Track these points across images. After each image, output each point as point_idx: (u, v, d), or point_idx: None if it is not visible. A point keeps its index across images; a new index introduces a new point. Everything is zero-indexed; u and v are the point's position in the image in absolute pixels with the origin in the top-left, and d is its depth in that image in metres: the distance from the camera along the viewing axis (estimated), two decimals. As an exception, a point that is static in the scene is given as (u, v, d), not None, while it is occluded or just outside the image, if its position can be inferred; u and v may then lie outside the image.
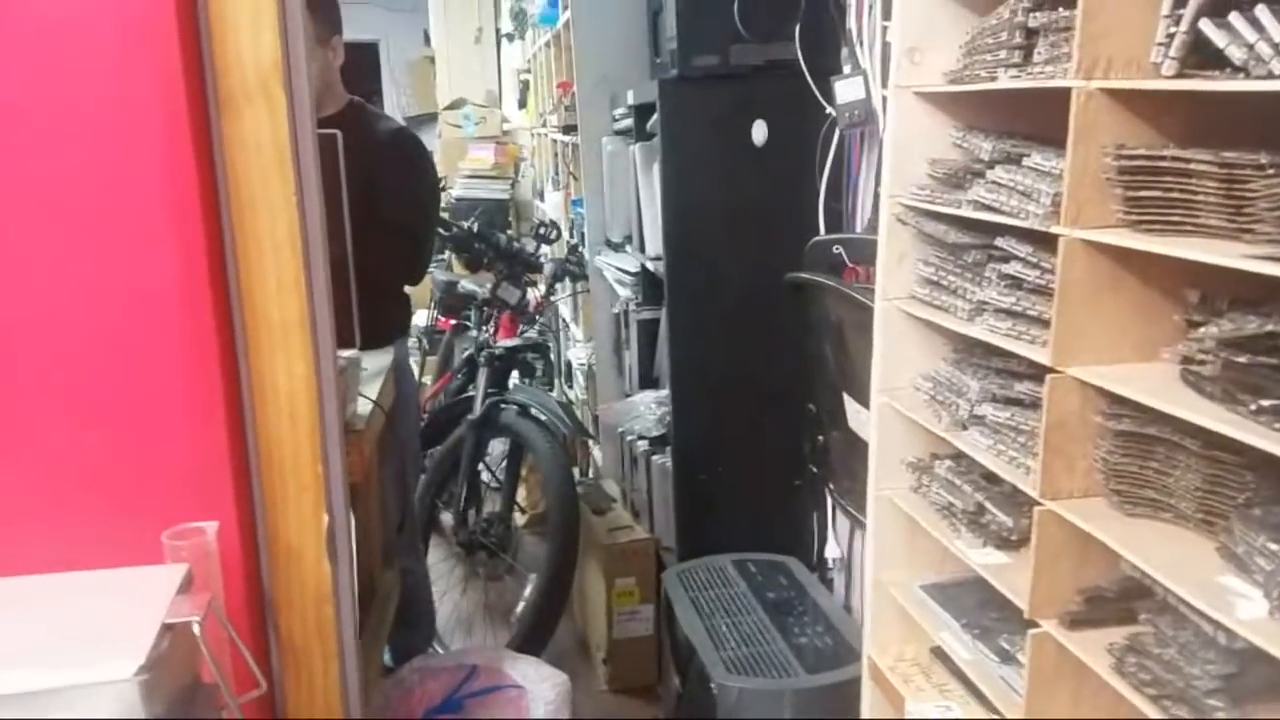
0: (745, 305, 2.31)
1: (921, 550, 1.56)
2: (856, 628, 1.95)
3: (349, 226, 1.63)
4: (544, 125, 4.39)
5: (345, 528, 1.36)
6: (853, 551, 2.21)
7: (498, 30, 6.22)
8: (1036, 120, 1.28)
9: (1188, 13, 0.99)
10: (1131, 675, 1.03)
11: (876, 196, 2.02)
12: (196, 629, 1.01)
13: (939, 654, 1.53)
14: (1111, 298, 1.11)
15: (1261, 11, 0.91)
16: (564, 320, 4.15)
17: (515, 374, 3.24)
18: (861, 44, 2.00)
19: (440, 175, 3.18)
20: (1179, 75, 1.01)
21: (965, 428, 1.35)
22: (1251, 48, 0.91)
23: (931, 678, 1.53)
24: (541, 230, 3.49)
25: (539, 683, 2.08)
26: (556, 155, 4.19)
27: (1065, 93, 1.09)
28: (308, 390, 1.24)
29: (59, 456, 1.16)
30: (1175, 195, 1.01)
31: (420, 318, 4.30)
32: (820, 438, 2.16)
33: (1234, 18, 0.93)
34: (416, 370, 3.70)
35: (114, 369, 1.16)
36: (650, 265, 2.63)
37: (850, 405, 1.96)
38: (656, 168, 2.40)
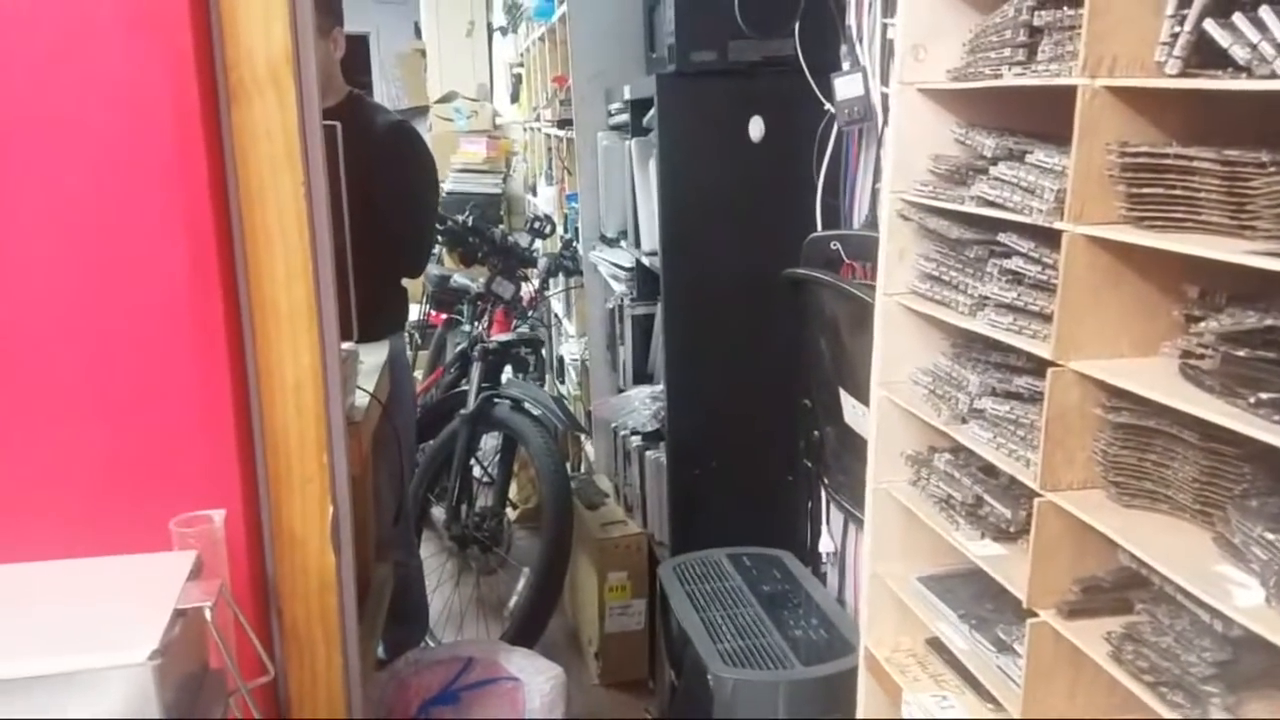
0: (741, 301, 2.32)
1: (918, 542, 1.58)
2: (850, 621, 1.97)
3: (348, 219, 1.64)
4: (537, 119, 4.39)
5: (348, 518, 1.37)
6: (846, 546, 2.22)
7: (489, 23, 6.22)
8: (1036, 117, 1.30)
9: (1192, 13, 1.01)
10: (1129, 663, 1.05)
11: (874, 193, 2.04)
12: (208, 614, 1.02)
13: (935, 645, 1.55)
14: (1113, 293, 1.12)
15: (1265, 12, 0.92)
16: (557, 315, 4.16)
17: (508, 369, 3.25)
18: (861, 41, 2.02)
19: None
20: (1183, 74, 1.03)
21: (965, 421, 1.37)
22: (1254, 48, 0.93)
23: (928, 668, 1.55)
24: (536, 225, 3.49)
25: (535, 675, 2.09)
26: (550, 150, 4.19)
27: (1069, 90, 1.11)
28: (314, 380, 1.25)
29: (69, 444, 1.17)
30: (1178, 192, 1.03)
31: (413, 312, 4.29)
32: (815, 433, 2.18)
33: (1237, 18, 0.95)
34: (410, 364, 3.70)
35: (123, 358, 1.16)
36: (645, 260, 2.64)
37: (846, 400, 1.98)
38: (652, 163, 2.41)
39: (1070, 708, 1.20)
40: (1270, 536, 0.93)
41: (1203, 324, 1.02)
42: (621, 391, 2.96)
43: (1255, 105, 1.01)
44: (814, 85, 2.13)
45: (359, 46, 7.20)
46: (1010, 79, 1.27)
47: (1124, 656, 1.06)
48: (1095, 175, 1.10)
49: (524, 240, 3.48)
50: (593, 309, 3.28)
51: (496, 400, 2.98)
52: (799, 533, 2.34)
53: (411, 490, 2.87)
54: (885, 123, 1.81)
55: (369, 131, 2.29)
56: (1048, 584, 1.17)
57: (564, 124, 3.51)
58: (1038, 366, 1.20)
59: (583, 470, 3.56)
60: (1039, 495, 1.17)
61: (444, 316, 4.26)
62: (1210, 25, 0.99)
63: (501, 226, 4.78)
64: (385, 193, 2.18)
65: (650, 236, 2.56)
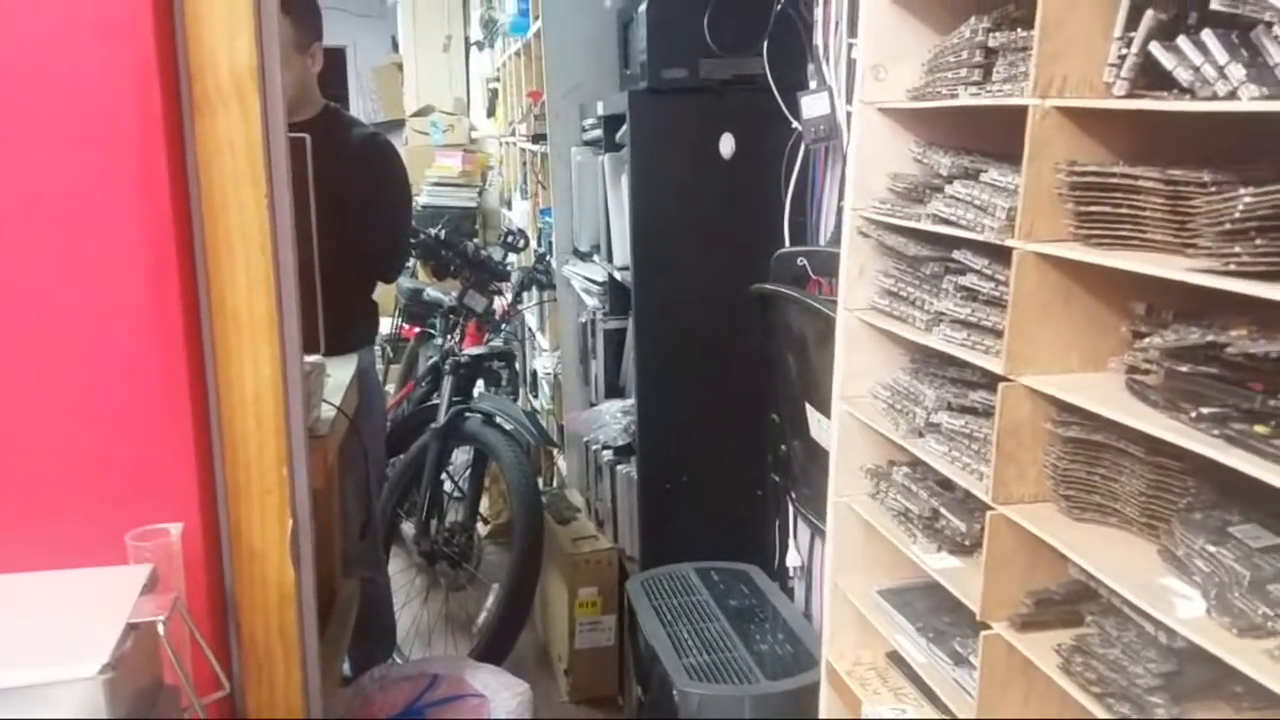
0: (711, 316, 2.33)
1: (878, 555, 1.59)
2: (816, 635, 1.98)
3: (316, 231, 1.64)
4: (513, 134, 4.40)
5: (309, 532, 1.36)
6: (813, 560, 2.23)
7: (467, 38, 6.24)
8: (995, 137, 1.32)
9: (1138, 36, 1.04)
10: (1078, 675, 1.07)
11: (840, 210, 2.06)
12: (161, 629, 1.01)
13: (895, 658, 1.56)
14: (1062, 309, 1.15)
15: (1207, 36, 0.95)
16: (530, 329, 4.16)
17: (480, 383, 3.24)
18: (827, 60, 2.04)
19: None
20: (1130, 95, 1.06)
21: (922, 435, 1.39)
22: (1197, 70, 0.95)
23: (888, 681, 1.56)
24: (509, 239, 3.50)
25: (500, 691, 2.08)
26: (525, 164, 4.20)
27: (1022, 110, 1.13)
28: (274, 392, 1.25)
29: (24, 456, 1.16)
30: (1123, 211, 1.05)
31: (385, 326, 4.28)
32: (783, 447, 2.19)
33: (1181, 41, 0.97)
34: (380, 378, 3.69)
35: (81, 368, 1.16)
36: (618, 275, 2.65)
37: (812, 415, 1.99)
38: (625, 178, 2.43)
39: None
40: (1211, 549, 0.95)
41: (1147, 339, 1.04)
42: (593, 405, 2.97)
43: (1199, 126, 1.03)
44: (782, 103, 2.15)
45: (336, 59, 7.20)
46: (966, 99, 1.29)
47: (1073, 668, 1.08)
48: (1045, 193, 1.12)
49: (497, 254, 3.48)
50: (565, 323, 3.28)
51: (468, 414, 2.97)
52: (768, 547, 2.34)
53: (380, 505, 2.85)
54: (850, 141, 1.83)
55: (343, 143, 2.30)
56: (1000, 597, 1.18)
57: (538, 139, 3.52)
58: (992, 381, 1.22)
59: (555, 485, 3.56)
60: (991, 509, 1.19)
61: (416, 330, 4.26)
62: (1156, 48, 1.02)
63: (476, 240, 4.78)
64: (358, 203, 2.19)
65: (622, 251, 2.57)
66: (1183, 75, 0.97)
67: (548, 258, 3.49)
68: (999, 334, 1.21)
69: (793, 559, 2.26)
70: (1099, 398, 1.06)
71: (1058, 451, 1.15)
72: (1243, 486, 0.92)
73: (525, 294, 3.72)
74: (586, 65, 3.02)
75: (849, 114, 1.94)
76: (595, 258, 3.00)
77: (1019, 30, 1.22)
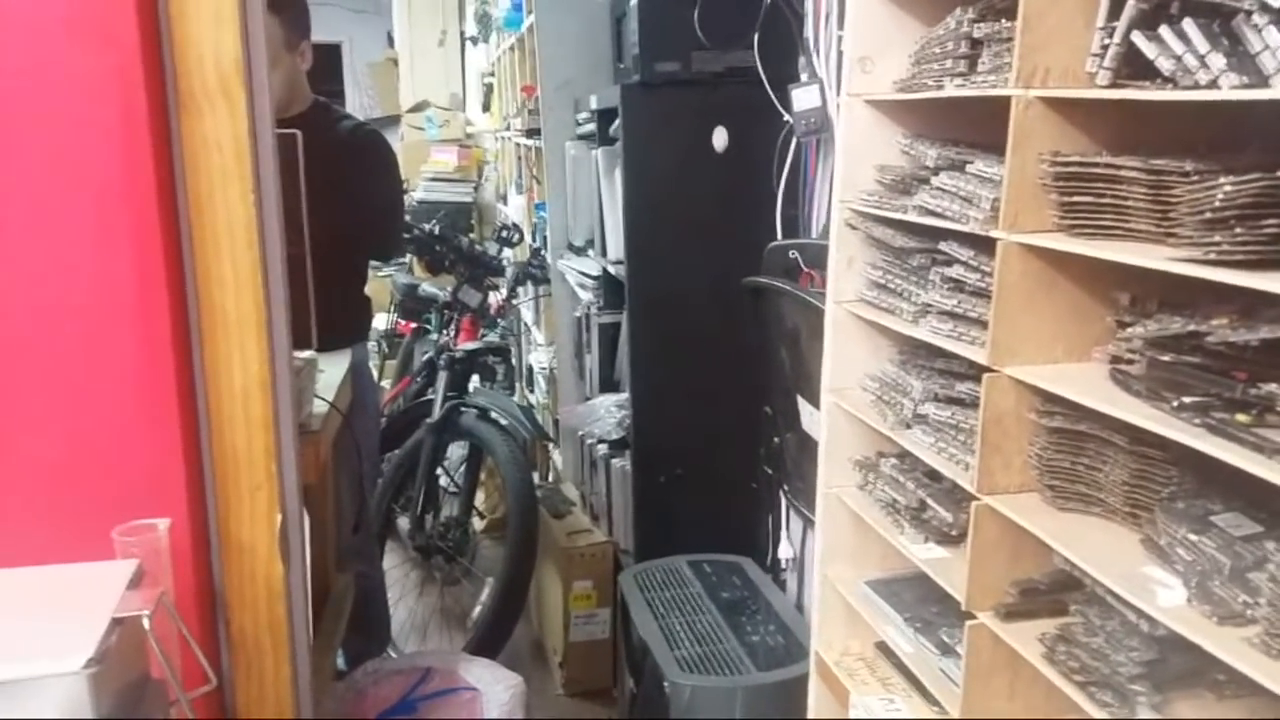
0: (705, 309, 2.34)
1: (868, 547, 1.59)
2: (808, 626, 1.98)
3: (307, 226, 1.63)
4: (508, 129, 4.40)
5: (299, 526, 1.37)
6: (805, 551, 2.24)
7: (462, 33, 6.22)
8: (981, 128, 1.32)
9: (1121, 25, 1.03)
10: (1061, 664, 1.07)
11: (831, 202, 2.06)
12: (146, 623, 1.02)
13: (883, 648, 1.57)
14: (1046, 300, 1.15)
15: (1189, 25, 0.95)
16: (526, 324, 4.16)
17: (475, 377, 3.24)
18: (818, 53, 2.04)
19: (403, 177, 3.18)
20: (1112, 85, 1.06)
21: (909, 426, 1.39)
22: (1179, 59, 0.95)
23: (876, 672, 1.56)
24: (504, 234, 3.50)
25: (493, 684, 2.08)
26: (520, 159, 4.19)
27: (1006, 101, 1.13)
28: (262, 387, 1.25)
29: (10, 452, 1.16)
30: (1106, 201, 1.05)
31: (380, 321, 4.29)
32: (775, 439, 2.20)
33: (1163, 31, 0.97)
34: (375, 373, 3.69)
35: (67, 364, 1.16)
36: (612, 269, 2.65)
37: (804, 407, 2.00)
38: (619, 172, 2.43)
39: (1010, 709, 1.21)
40: (1193, 538, 0.95)
41: (1130, 329, 1.04)
42: (588, 399, 2.97)
43: (1182, 115, 1.03)
44: (773, 96, 2.15)
45: (331, 55, 7.19)
46: (951, 90, 1.29)
47: (1057, 657, 1.08)
48: (1029, 184, 1.12)
49: (492, 249, 3.48)
50: (560, 317, 3.28)
51: (463, 409, 2.97)
52: (762, 539, 2.35)
53: (376, 500, 2.85)
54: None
55: (332, 136, 2.30)
56: (985, 586, 1.19)
57: (533, 133, 3.52)
58: (978, 372, 1.22)
59: (550, 479, 3.56)
60: (976, 499, 1.19)
61: (412, 325, 4.26)
62: (1138, 37, 1.01)
63: (472, 235, 4.78)
64: (347, 191, 2.19)
65: (616, 245, 2.57)
66: (1165, 65, 0.97)
67: (542, 252, 3.48)
68: (985, 325, 1.21)
69: (785, 551, 2.27)
70: (1082, 388, 1.06)
71: (1042, 442, 1.15)
72: (1225, 475, 0.92)
73: (520, 289, 3.72)
74: (580, 59, 3.02)
75: (839, 106, 1.95)
76: (590, 252, 3.00)
77: (1003, 21, 1.21)
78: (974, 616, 1.20)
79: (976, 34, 1.26)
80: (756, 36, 2.18)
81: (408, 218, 3.76)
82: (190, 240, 1.20)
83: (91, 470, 1.18)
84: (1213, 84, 0.91)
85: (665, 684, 1.83)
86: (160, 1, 1.13)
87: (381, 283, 4.40)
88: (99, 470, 1.18)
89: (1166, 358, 0.98)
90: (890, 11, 1.46)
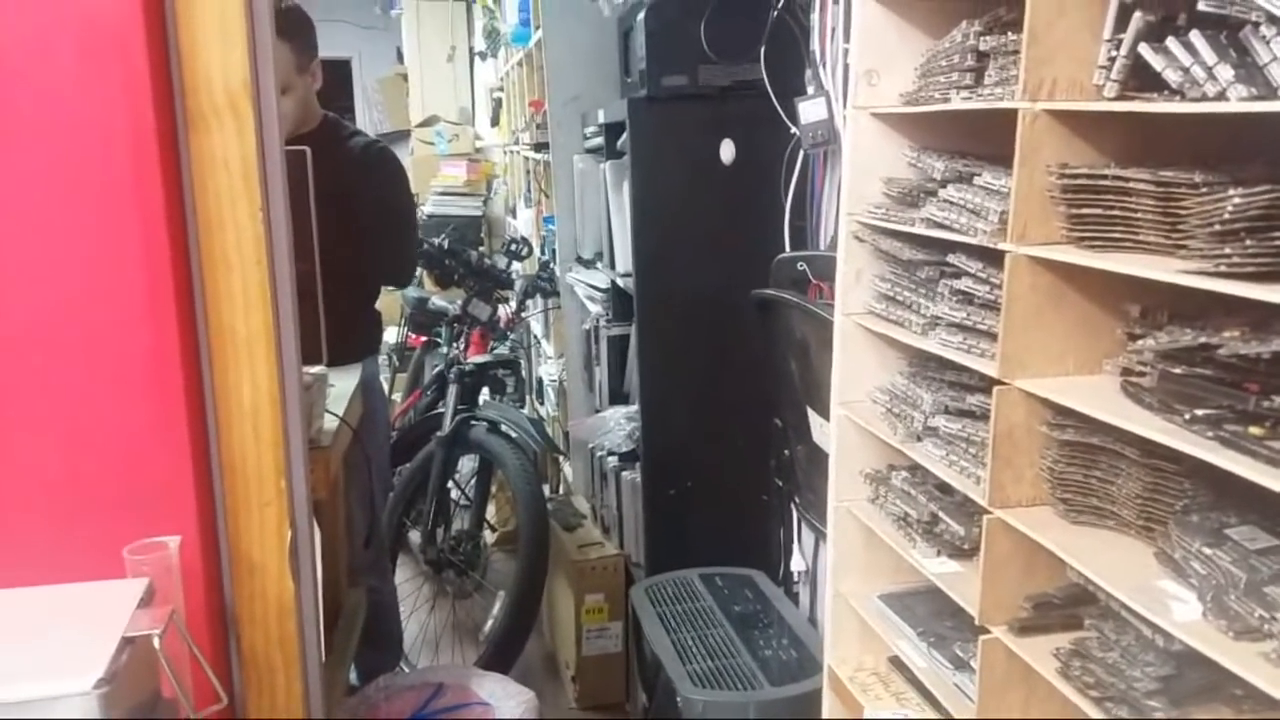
0: (713, 321, 2.34)
1: (879, 560, 1.58)
2: (820, 640, 1.97)
3: (318, 242, 1.64)
4: (516, 143, 4.41)
5: (309, 543, 1.37)
6: (818, 564, 2.23)
7: (471, 48, 6.25)
8: (988, 140, 1.32)
9: (1128, 37, 1.03)
10: (1076, 679, 1.06)
11: (839, 215, 2.05)
12: (156, 642, 1.02)
13: (897, 663, 1.56)
14: (1056, 312, 1.14)
15: (1196, 37, 0.94)
16: (535, 336, 4.17)
17: (485, 390, 3.25)
18: (824, 66, 2.04)
19: (414, 191, 3.19)
20: (1120, 97, 1.05)
21: (920, 439, 1.38)
22: (1187, 71, 0.95)
23: (890, 686, 1.55)
24: (513, 247, 3.51)
25: (505, 700, 2.08)
26: (528, 172, 4.21)
27: (1013, 113, 1.13)
28: (271, 404, 1.25)
29: (22, 471, 1.16)
30: (1115, 213, 1.05)
31: (390, 335, 4.30)
32: (786, 452, 2.19)
33: (1170, 42, 0.97)
34: (386, 387, 3.70)
35: (78, 383, 1.16)
36: (620, 282, 2.65)
37: (814, 419, 1.99)
38: (626, 186, 2.43)
39: (1024, 724, 1.20)
40: (1208, 551, 0.94)
41: (1141, 342, 1.03)
42: (598, 412, 2.97)
43: (1189, 127, 1.03)
44: (780, 109, 2.15)
45: (341, 71, 7.23)
46: (958, 103, 1.29)
47: (1071, 672, 1.07)
48: (1037, 196, 1.12)
49: (501, 262, 3.49)
50: (570, 330, 3.29)
51: (473, 422, 2.97)
52: (773, 552, 2.34)
53: (386, 514, 2.85)
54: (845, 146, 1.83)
55: (343, 152, 2.31)
56: (999, 601, 1.18)
57: (541, 147, 3.53)
58: (988, 385, 1.21)
59: (561, 491, 3.56)
60: (988, 513, 1.18)
61: (422, 339, 4.27)
62: (1145, 49, 1.01)
63: (481, 249, 4.79)
64: (359, 210, 2.20)
65: (625, 258, 2.57)
66: (1172, 76, 0.97)
67: (551, 265, 3.49)
68: (994, 337, 1.20)
69: (797, 564, 2.26)
70: (1094, 400, 1.06)
71: (1054, 455, 1.14)
72: (1239, 488, 0.91)
73: (529, 301, 3.73)
74: (587, 74, 3.03)
75: (845, 119, 1.95)
76: (598, 264, 3.00)
77: (1010, 34, 1.21)
78: (988, 631, 1.19)
79: (982, 47, 1.26)
80: (763, 50, 2.19)
81: (417, 228, 3.77)
82: (199, 258, 1.20)
83: (102, 489, 1.18)
84: (1221, 95, 0.91)
85: (678, 699, 1.82)
86: (169, 21, 1.15)
87: (392, 297, 4.41)
88: (109, 489, 1.19)
89: (1178, 370, 0.97)
90: (896, 25, 1.46)
